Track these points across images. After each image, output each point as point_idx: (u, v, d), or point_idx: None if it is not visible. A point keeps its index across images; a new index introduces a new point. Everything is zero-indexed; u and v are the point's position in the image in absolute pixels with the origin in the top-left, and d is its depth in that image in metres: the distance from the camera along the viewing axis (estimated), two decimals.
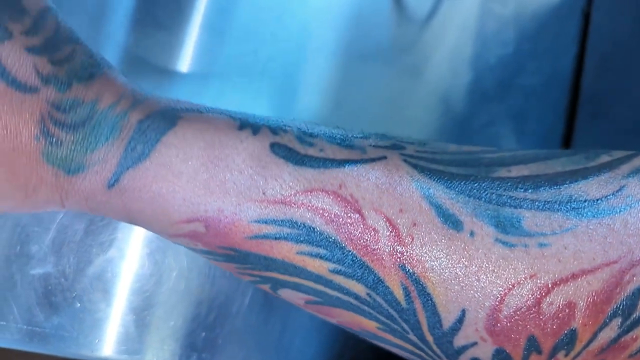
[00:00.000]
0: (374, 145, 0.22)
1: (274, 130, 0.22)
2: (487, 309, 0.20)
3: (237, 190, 0.21)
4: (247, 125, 0.22)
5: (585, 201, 0.21)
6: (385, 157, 0.21)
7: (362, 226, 0.21)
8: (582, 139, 0.40)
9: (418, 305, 0.21)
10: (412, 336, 0.22)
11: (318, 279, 0.21)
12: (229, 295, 0.36)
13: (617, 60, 0.40)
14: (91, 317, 0.35)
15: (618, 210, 0.21)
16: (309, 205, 0.21)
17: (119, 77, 0.22)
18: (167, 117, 0.22)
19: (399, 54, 0.39)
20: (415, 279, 0.20)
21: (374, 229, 0.21)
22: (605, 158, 0.22)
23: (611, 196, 0.21)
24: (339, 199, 0.21)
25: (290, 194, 0.21)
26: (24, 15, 0.21)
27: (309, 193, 0.21)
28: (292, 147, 0.21)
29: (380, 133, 0.23)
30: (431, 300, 0.21)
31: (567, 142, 0.41)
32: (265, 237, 0.21)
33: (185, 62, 0.35)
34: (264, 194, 0.21)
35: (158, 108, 0.22)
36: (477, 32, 0.41)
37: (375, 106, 0.39)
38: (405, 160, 0.21)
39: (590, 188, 0.21)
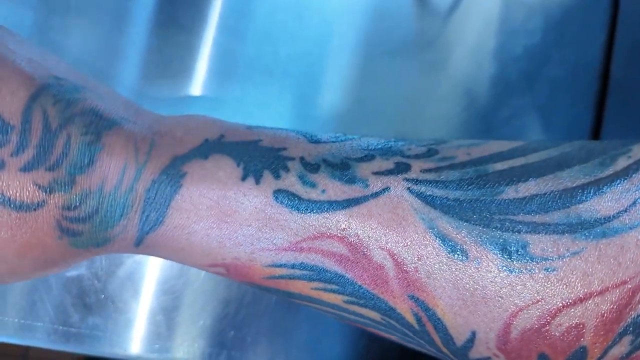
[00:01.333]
0: (376, 173, 0.22)
1: (276, 172, 0.22)
2: (496, 330, 0.20)
3: (248, 241, 0.22)
4: (250, 173, 0.22)
5: (595, 220, 0.20)
6: (388, 189, 0.22)
7: (369, 264, 0.21)
8: (610, 130, 0.39)
9: (430, 327, 0.21)
10: (429, 348, 0.22)
11: (335, 307, 0.22)
12: (256, 295, 0.36)
13: None
14: (123, 317, 0.36)
15: (630, 227, 0.20)
16: (317, 250, 0.22)
17: (118, 135, 0.23)
18: (172, 179, 0.22)
19: (421, 48, 0.39)
20: (425, 306, 0.21)
21: (380, 266, 0.21)
22: (622, 162, 0.21)
23: (623, 212, 0.20)
24: (345, 241, 0.22)
25: (298, 241, 0.22)
26: (10, 133, 0.21)
27: (316, 239, 0.22)
28: (295, 191, 0.22)
29: (387, 144, 0.23)
30: (442, 323, 0.21)
31: (595, 132, 0.40)
32: (280, 277, 0.22)
33: (205, 62, 0.35)
34: (273, 243, 0.22)
35: (162, 167, 0.23)
36: (501, 23, 0.40)
37: (397, 102, 0.38)
38: (409, 189, 0.22)
39: (601, 205, 0.21)
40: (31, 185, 0.22)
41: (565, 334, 0.20)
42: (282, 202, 0.22)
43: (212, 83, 0.35)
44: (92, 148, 0.22)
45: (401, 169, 0.22)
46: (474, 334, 0.21)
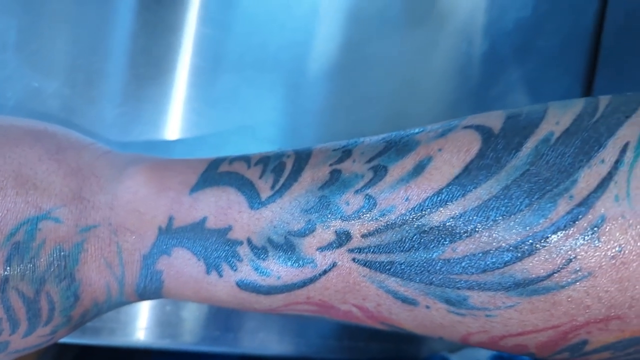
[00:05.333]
0: (321, 249, 0.24)
1: (232, 264, 0.25)
2: (457, 339, 0.25)
3: (234, 305, 0.26)
4: (211, 267, 0.25)
5: (528, 281, 0.21)
6: (335, 264, 0.24)
7: (338, 312, 0.25)
8: None
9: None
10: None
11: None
12: None
13: None
14: (130, 307, 0.37)
15: (562, 286, 0.21)
16: (292, 309, 0.26)
17: (87, 263, 0.26)
18: (152, 278, 0.26)
19: (412, 28, 0.38)
20: (396, 327, 0.25)
21: (348, 312, 0.25)
22: (562, 206, 0.21)
23: (556, 272, 0.21)
24: (311, 303, 0.25)
25: (273, 309, 0.26)
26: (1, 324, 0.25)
27: (287, 306, 0.25)
28: (254, 280, 0.25)
29: (324, 196, 0.24)
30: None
31: None
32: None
33: (191, 58, 0.35)
34: (254, 310, 0.26)
35: (138, 271, 0.26)
36: None
37: (390, 84, 0.38)
38: (354, 260, 0.24)
39: (534, 265, 0.21)
40: (36, 340, 0.26)
41: (513, 348, 0.23)
42: (246, 289, 0.25)
43: (201, 80, 0.35)
44: (72, 288, 0.25)
45: (343, 239, 0.24)
46: (441, 338, 0.25)
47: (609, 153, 0.21)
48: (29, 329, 0.25)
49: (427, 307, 0.23)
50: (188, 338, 0.37)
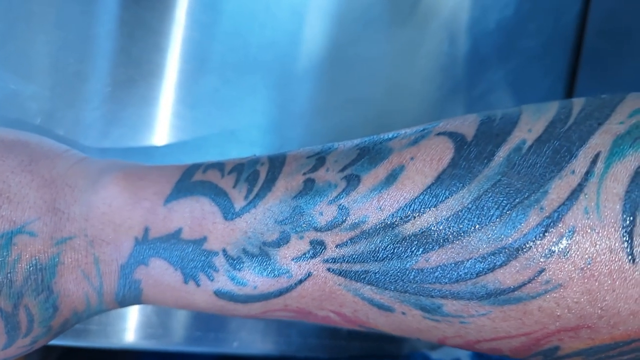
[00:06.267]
0: (296, 259, 0.24)
1: (209, 274, 0.25)
2: (435, 340, 0.25)
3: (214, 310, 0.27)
4: (189, 277, 0.25)
5: (500, 291, 0.22)
6: (311, 274, 0.24)
7: (316, 317, 0.25)
8: None
9: None
10: None
11: None
12: None
13: (623, 18, 0.38)
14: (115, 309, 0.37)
15: (532, 297, 0.21)
16: (271, 315, 0.26)
17: (63, 275, 0.26)
18: (131, 287, 0.26)
19: (395, 28, 0.38)
20: (373, 331, 0.26)
21: (326, 317, 0.25)
22: (533, 218, 0.21)
23: (527, 283, 0.21)
24: (289, 310, 0.25)
25: (252, 315, 0.26)
26: None
27: (265, 313, 0.26)
28: (231, 290, 0.25)
29: (297, 206, 0.24)
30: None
31: None
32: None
33: (175, 61, 0.35)
34: (235, 315, 0.26)
35: (117, 280, 0.26)
36: None
37: (373, 84, 0.38)
38: (329, 270, 0.24)
39: (506, 276, 0.21)
40: (16, 351, 0.26)
41: (489, 350, 0.24)
42: (224, 298, 0.25)
43: (183, 82, 0.35)
44: (50, 300, 0.26)
45: (317, 250, 0.24)
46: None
47: (580, 164, 0.21)
48: (8, 342, 0.25)
49: (403, 313, 0.23)
50: (172, 339, 0.37)
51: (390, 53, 0.38)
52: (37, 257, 0.25)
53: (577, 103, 0.23)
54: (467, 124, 0.23)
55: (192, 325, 0.37)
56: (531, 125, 0.22)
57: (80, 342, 0.37)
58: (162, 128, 0.34)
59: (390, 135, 0.25)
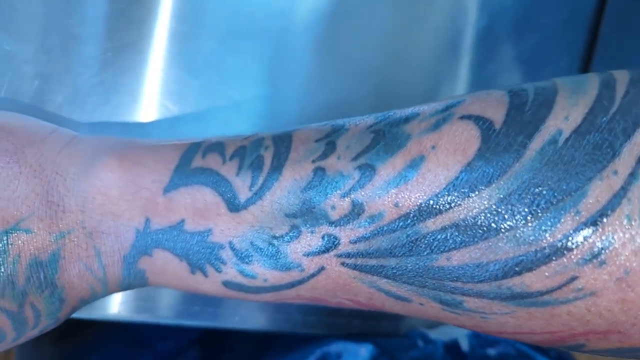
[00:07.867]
0: (308, 254, 0.22)
1: (216, 266, 0.24)
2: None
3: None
4: (195, 268, 0.24)
5: (527, 294, 0.20)
6: (324, 268, 0.23)
7: (331, 303, 0.24)
8: None
9: None
10: None
11: None
12: None
13: None
14: None
15: (563, 302, 0.20)
16: (284, 300, 0.25)
17: (67, 271, 0.24)
18: (136, 276, 0.25)
19: (401, 1, 0.36)
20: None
21: (340, 302, 0.24)
22: (567, 223, 0.19)
23: (557, 289, 0.20)
24: (302, 298, 0.24)
25: (265, 300, 0.25)
26: None
27: (278, 299, 0.24)
28: (241, 282, 0.24)
29: (307, 198, 0.23)
30: None
31: None
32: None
33: (168, 22, 0.33)
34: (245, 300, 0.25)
35: (121, 272, 0.25)
36: None
37: (378, 57, 0.37)
38: (343, 264, 0.22)
39: (534, 280, 0.20)
40: (24, 340, 0.25)
41: (509, 337, 0.23)
42: (234, 289, 0.24)
43: (182, 47, 0.33)
44: (56, 294, 0.24)
45: (330, 244, 0.22)
46: None
47: (624, 163, 0.19)
48: (17, 336, 0.25)
49: (421, 304, 0.22)
50: (167, 312, 0.36)
51: (397, 25, 0.37)
52: (36, 255, 0.23)
53: (621, 82, 0.20)
54: (494, 106, 0.21)
55: (189, 299, 0.36)
56: (568, 111, 0.20)
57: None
58: (161, 95, 0.33)
59: (406, 114, 0.22)
